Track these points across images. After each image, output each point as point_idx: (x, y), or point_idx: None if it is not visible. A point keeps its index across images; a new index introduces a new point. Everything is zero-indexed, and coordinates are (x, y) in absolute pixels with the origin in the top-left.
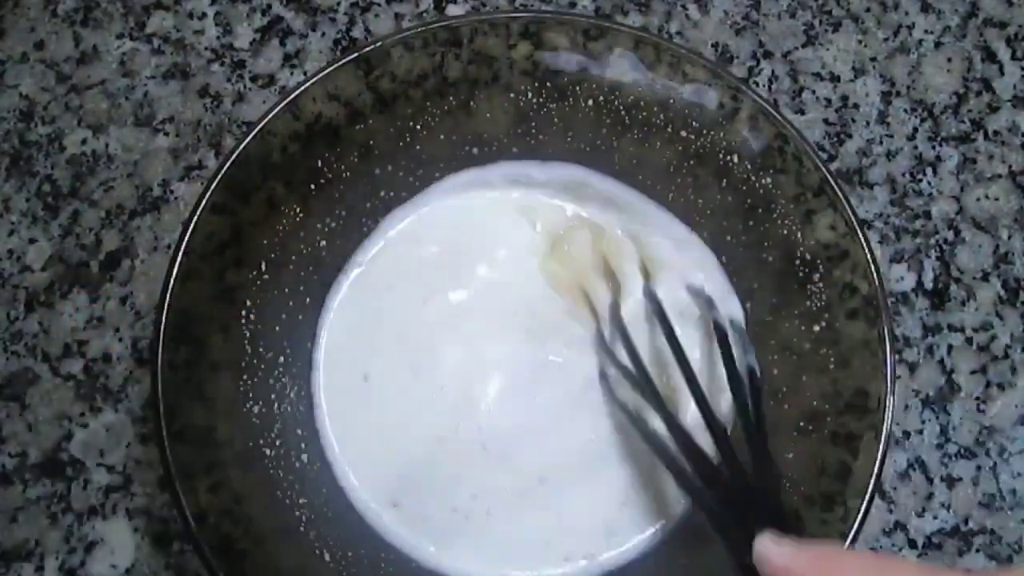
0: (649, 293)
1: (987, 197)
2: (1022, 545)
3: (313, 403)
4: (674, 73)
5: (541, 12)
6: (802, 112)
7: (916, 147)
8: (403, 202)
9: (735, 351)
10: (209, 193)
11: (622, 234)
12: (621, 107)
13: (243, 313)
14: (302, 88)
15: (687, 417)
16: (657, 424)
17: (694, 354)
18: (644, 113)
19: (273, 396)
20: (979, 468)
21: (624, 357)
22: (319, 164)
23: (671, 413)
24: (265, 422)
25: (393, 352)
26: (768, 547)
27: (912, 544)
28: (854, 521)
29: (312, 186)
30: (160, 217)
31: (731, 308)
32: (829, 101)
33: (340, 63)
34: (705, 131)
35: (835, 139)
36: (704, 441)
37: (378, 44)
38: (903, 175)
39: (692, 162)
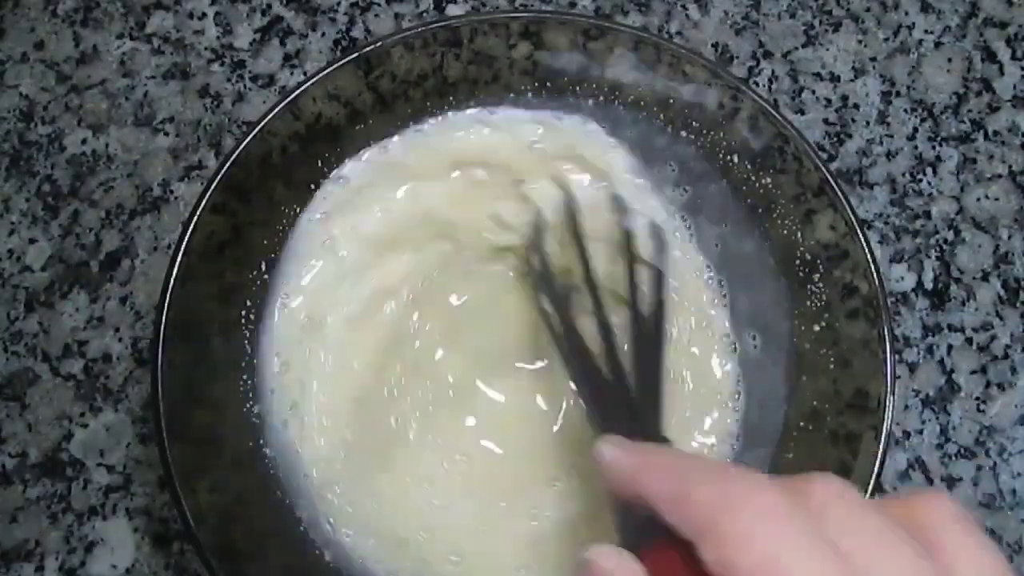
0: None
1: (987, 197)
2: (1022, 545)
3: None
4: (674, 73)
5: (541, 12)
6: (802, 112)
7: (916, 147)
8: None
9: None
10: (209, 193)
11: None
12: (621, 107)
13: (243, 313)
14: (302, 88)
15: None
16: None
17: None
18: (644, 113)
19: None
20: (979, 468)
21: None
22: (319, 164)
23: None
24: (265, 422)
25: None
26: (603, 447)
27: None
28: None
29: (312, 186)
30: (160, 217)
31: (649, 206)
32: (829, 101)
33: (340, 63)
34: (705, 131)
35: (835, 139)
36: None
37: (378, 44)
38: (903, 175)
39: (692, 162)
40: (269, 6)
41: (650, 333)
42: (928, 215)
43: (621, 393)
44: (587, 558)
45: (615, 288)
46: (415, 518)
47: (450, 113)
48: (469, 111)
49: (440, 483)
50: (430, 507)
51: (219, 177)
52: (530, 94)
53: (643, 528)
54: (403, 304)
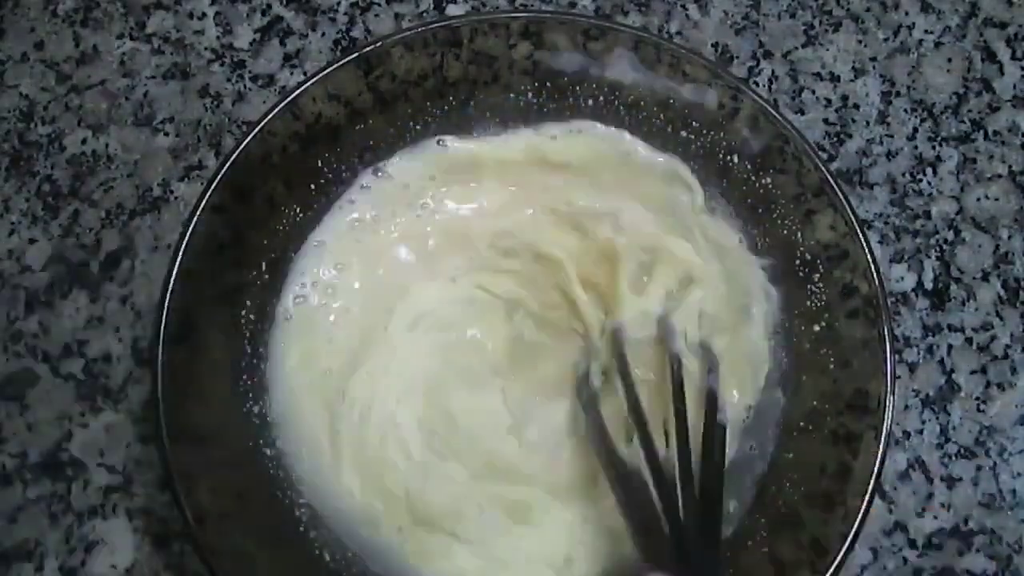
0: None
1: (987, 197)
2: (1022, 545)
3: None
4: (674, 73)
5: (541, 12)
6: (802, 112)
7: (916, 147)
8: None
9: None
10: (209, 193)
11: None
12: (621, 107)
13: (243, 313)
14: (302, 88)
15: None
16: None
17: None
18: (644, 113)
19: None
20: (979, 468)
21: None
22: (319, 164)
23: (651, 444)
24: (265, 422)
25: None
26: None
27: (912, 544)
28: (854, 521)
29: (312, 186)
30: (160, 217)
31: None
32: (829, 101)
33: (340, 63)
34: (705, 131)
35: (835, 139)
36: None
37: (378, 44)
38: (903, 175)
39: (692, 162)
40: (269, 6)
41: (710, 471)
42: (928, 215)
43: (673, 527)
44: None
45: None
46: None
47: None
48: None
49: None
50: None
51: (219, 177)
52: (530, 94)
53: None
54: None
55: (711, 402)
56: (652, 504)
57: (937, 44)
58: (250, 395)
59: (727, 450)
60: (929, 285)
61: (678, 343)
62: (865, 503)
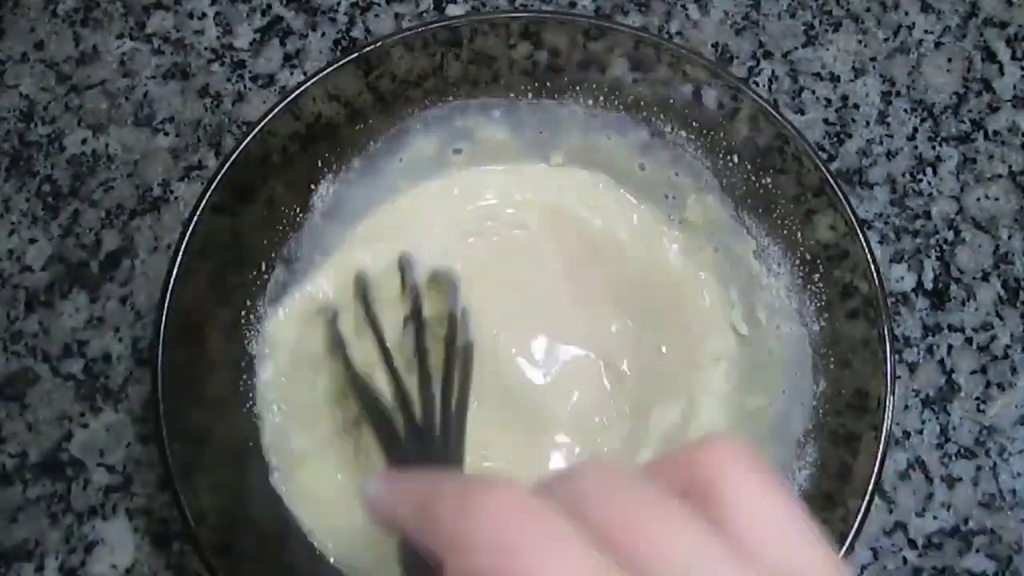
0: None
1: (987, 197)
2: (1022, 545)
3: None
4: (674, 73)
5: (541, 12)
6: (802, 112)
7: (916, 147)
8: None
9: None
10: (209, 193)
11: None
12: (621, 107)
13: (243, 313)
14: (302, 88)
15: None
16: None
17: None
18: (644, 113)
19: None
20: (979, 468)
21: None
22: (319, 164)
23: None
24: (265, 421)
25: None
26: (368, 482)
27: (912, 544)
28: (854, 521)
29: (312, 186)
30: (160, 217)
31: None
32: (829, 101)
33: (340, 63)
34: (705, 131)
35: (835, 139)
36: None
37: (378, 44)
38: (903, 175)
39: (692, 162)
40: (269, 6)
41: (452, 373)
42: (928, 215)
43: (416, 433)
44: None
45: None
46: None
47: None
48: None
49: None
50: None
51: (219, 177)
52: (530, 94)
53: (419, 565)
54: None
55: (451, 324)
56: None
57: (937, 44)
58: (250, 395)
59: None
60: (929, 285)
61: (416, 275)
62: (865, 503)
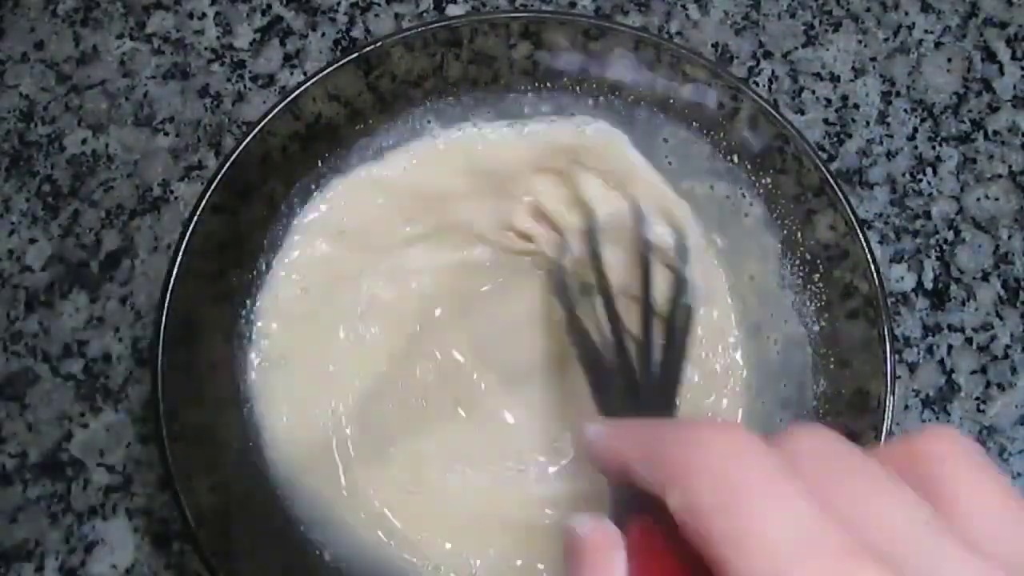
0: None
1: (987, 197)
2: None
3: None
4: (674, 73)
5: (541, 12)
6: (802, 112)
7: (916, 147)
8: None
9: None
10: (209, 193)
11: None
12: (621, 107)
13: (243, 313)
14: (302, 88)
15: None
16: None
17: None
18: (644, 113)
19: None
20: None
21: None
22: (319, 164)
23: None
24: (265, 421)
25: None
26: (588, 425)
27: None
28: None
29: (312, 186)
30: (160, 217)
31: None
32: (829, 101)
33: (340, 63)
34: (705, 131)
35: (835, 139)
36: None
37: (378, 44)
38: (903, 175)
39: (692, 162)
40: (269, 6)
41: (672, 332)
42: (928, 215)
43: (630, 386)
44: (567, 525)
45: (635, 293)
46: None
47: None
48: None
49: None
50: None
51: (219, 177)
52: (530, 94)
53: (633, 505)
54: (418, 298)
55: (679, 286)
56: (612, 370)
57: (937, 44)
58: (250, 395)
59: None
60: (929, 285)
61: (650, 229)
62: None
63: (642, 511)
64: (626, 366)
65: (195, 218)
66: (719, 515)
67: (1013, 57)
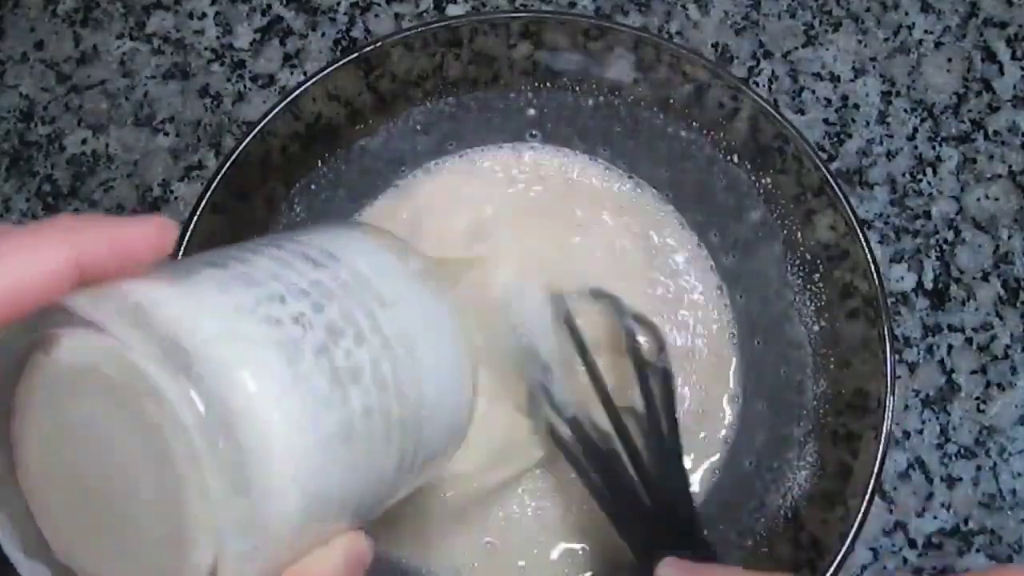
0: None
1: (987, 197)
2: (1022, 545)
3: None
4: (674, 73)
5: (541, 12)
6: (802, 112)
7: (916, 147)
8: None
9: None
10: (209, 193)
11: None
12: (621, 107)
13: None
14: (302, 88)
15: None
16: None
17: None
18: (644, 113)
19: None
20: (979, 468)
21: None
22: (319, 164)
23: (617, 415)
24: None
25: None
26: (662, 570)
27: (912, 544)
28: (854, 521)
29: (312, 186)
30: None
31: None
32: (829, 101)
33: (340, 63)
34: (705, 131)
35: (835, 139)
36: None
37: (378, 44)
38: (903, 175)
39: (692, 162)
40: (269, 6)
41: (667, 440)
42: (928, 215)
43: (649, 507)
44: None
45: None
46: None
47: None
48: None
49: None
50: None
51: (219, 177)
52: (530, 94)
53: None
54: None
55: (667, 380)
56: (633, 489)
57: (937, 44)
58: None
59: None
60: (929, 285)
61: (627, 319)
62: (865, 503)
63: None
64: (651, 491)
65: (195, 218)
66: None
67: (1013, 57)
